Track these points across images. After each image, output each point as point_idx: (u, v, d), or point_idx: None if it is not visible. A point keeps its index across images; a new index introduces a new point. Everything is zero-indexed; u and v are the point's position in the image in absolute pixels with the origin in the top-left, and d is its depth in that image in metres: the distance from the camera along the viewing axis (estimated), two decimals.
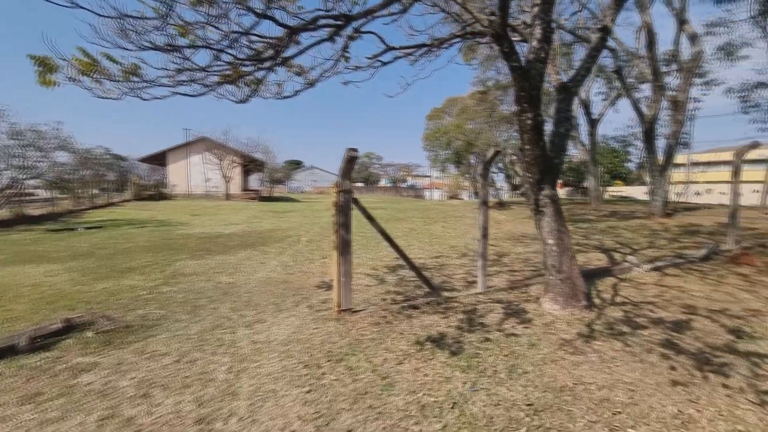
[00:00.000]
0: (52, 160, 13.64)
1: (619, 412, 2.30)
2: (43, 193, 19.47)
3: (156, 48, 3.23)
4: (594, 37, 4.47)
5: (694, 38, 11.92)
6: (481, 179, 4.85)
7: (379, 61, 5.52)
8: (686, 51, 13.02)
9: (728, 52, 17.47)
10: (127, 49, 3.11)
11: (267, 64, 4.16)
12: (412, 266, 4.58)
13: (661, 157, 13.29)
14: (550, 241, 4.23)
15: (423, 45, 4.82)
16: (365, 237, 10.47)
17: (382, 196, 60.33)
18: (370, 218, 4.31)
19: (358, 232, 10.61)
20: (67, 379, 3.04)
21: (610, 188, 41.88)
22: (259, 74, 4.36)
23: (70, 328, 3.91)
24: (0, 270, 7.02)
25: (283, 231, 12.83)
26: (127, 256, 8.31)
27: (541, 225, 4.32)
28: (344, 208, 4.06)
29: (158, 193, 29.74)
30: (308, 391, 2.74)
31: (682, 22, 12.05)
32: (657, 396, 2.48)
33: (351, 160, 3.86)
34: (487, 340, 3.53)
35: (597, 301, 4.62)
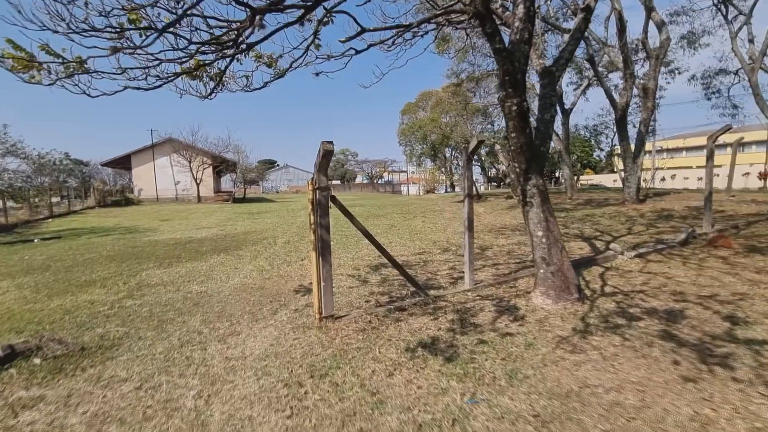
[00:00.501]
0: (1, 167, 12.51)
1: (634, 418, 2.12)
2: None
3: (95, 30, 2.80)
4: (577, 18, 4.30)
5: (661, 26, 12.15)
6: (464, 170, 4.62)
7: (353, 49, 5.18)
8: (654, 39, 13.30)
9: (690, 40, 18.07)
10: (57, 32, 2.66)
11: (230, 51, 3.77)
12: (396, 264, 4.31)
13: (632, 144, 13.55)
14: (539, 233, 4.06)
15: (401, 26, 4.53)
16: (345, 236, 10.14)
17: (359, 193, 59.87)
18: (350, 216, 4.00)
19: (338, 231, 10.29)
20: (4, 419, 2.60)
21: (581, 177, 43.09)
22: (222, 64, 3.96)
23: (12, 356, 3.43)
24: None
25: (258, 233, 12.31)
26: (88, 268, 7.67)
27: (528, 216, 4.13)
28: (322, 206, 3.74)
29: (124, 199, 28.27)
30: (289, 416, 2.43)
31: (650, 9, 12.25)
32: (669, 396, 2.31)
33: (327, 155, 3.54)
34: (482, 342, 3.31)
35: (587, 292, 4.50)
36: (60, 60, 3.07)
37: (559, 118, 18.80)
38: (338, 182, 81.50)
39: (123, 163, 32.89)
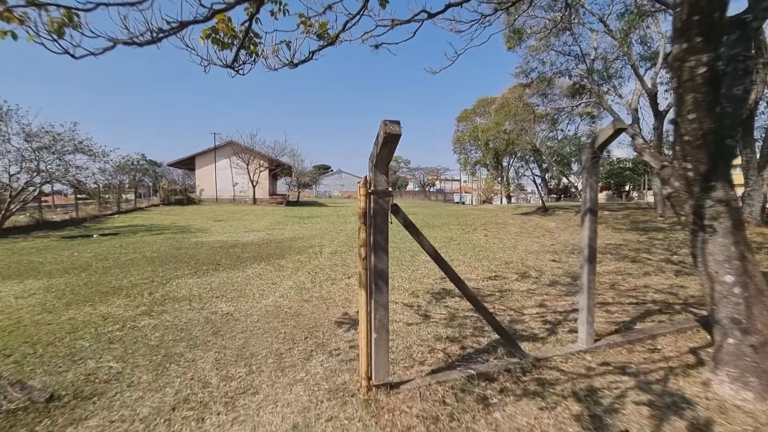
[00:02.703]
0: (70, 163, 12.94)
1: None
2: (70, 198, 19.25)
3: None
4: None
5: None
6: (586, 174, 3.15)
7: (425, 12, 3.95)
8: None
9: None
10: None
11: None
12: (482, 309, 2.93)
13: (757, 153, 10.90)
14: (728, 278, 2.47)
15: None
16: (399, 248, 8.89)
17: (411, 201, 58.70)
18: (418, 235, 2.71)
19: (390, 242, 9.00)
20: None
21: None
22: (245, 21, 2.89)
23: None
24: None
25: (304, 240, 11.46)
26: (124, 271, 7.14)
27: (706, 249, 2.56)
28: (379, 220, 2.50)
29: (186, 198, 29.49)
30: None
31: None
32: None
33: (390, 141, 2.29)
34: None
35: None
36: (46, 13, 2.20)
37: (647, 120, 16.15)
38: (389, 189, 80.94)
39: (187, 164, 34.61)
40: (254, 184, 31.20)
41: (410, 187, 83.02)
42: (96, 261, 8.16)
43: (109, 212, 20.16)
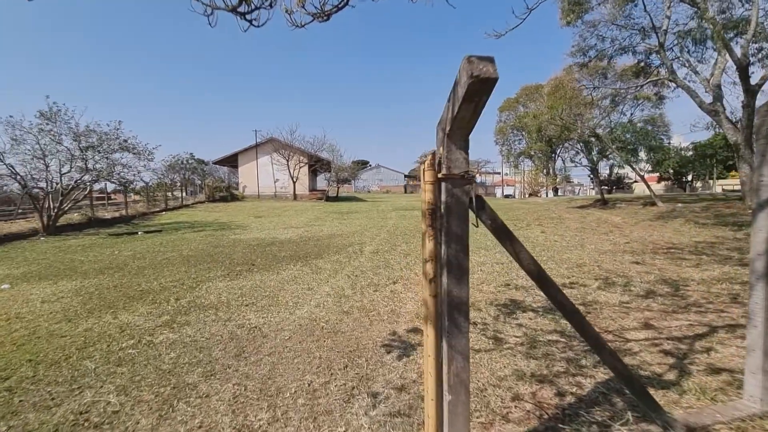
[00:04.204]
0: (117, 161, 13.14)
1: None
2: (122, 196, 20.01)
3: None
4: None
5: None
6: (764, 143, 2.04)
7: None
8: None
9: None
10: None
11: None
12: (622, 371, 1.95)
13: None
14: None
15: None
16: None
17: None
18: (512, 242, 1.78)
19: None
20: None
21: (722, 182, 33.98)
22: None
23: None
24: (13, 287, 5.81)
25: (344, 237, 10.78)
26: (157, 271, 6.77)
27: None
28: (453, 221, 1.60)
29: (230, 195, 30.12)
30: None
31: None
32: None
33: (479, 91, 1.38)
34: None
35: None
36: None
37: (731, 101, 13.84)
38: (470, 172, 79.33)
39: (231, 162, 35.45)
40: (294, 179, 31.30)
41: None
42: (133, 260, 7.94)
43: (157, 209, 20.78)
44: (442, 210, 1.64)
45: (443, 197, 1.64)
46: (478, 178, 73.31)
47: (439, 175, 1.63)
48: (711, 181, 35.66)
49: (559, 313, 3.75)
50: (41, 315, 4.57)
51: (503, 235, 1.73)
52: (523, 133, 46.59)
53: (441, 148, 1.63)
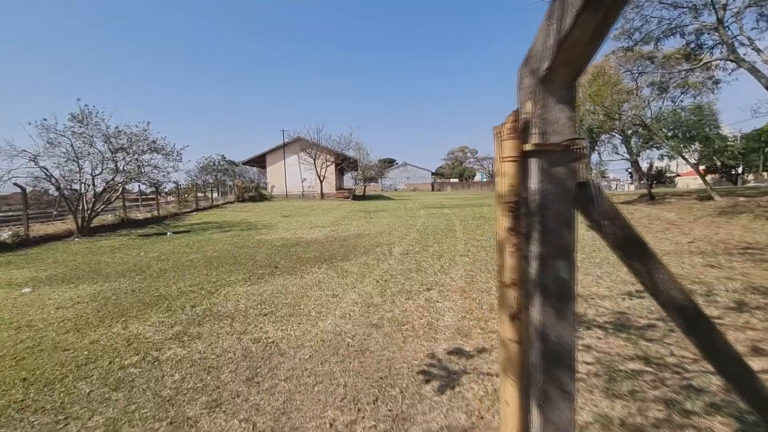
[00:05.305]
0: (147, 162, 13.22)
1: None
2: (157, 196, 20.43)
3: None
4: None
5: None
6: None
7: None
8: None
9: None
10: None
11: None
12: None
13: None
14: None
15: None
16: (470, 229, 7.18)
17: (480, 192, 55.49)
18: (649, 258, 1.13)
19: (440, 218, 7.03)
20: None
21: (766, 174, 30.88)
22: None
23: None
24: (35, 291, 5.65)
25: (371, 237, 10.24)
26: (178, 274, 6.48)
27: None
28: (550, 218, 0.97)
29: (258, 195, 30.38)
30: None
31: None
32: None
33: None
34: None
35: None
36: None
37: None
38: (456, 180, 77.87)
39: (259, 162, 35.83)
40: (321, 178, 31.18)
41: (478, 177, 79.13)
42: (157, 262, 7.73)
43: (188, 210, 21.09)
44: (533, 204, 1.02)
45: (533, 183, 1.01)
46: None
47: (527, 147, 1.01)
48: (765, 173, 32.61)
49: (636, 331, 2.99)
50: (52, 323, 4.28)
51: (633, 247, 1.08)
52: None
53: (529, 103, 1.00)
